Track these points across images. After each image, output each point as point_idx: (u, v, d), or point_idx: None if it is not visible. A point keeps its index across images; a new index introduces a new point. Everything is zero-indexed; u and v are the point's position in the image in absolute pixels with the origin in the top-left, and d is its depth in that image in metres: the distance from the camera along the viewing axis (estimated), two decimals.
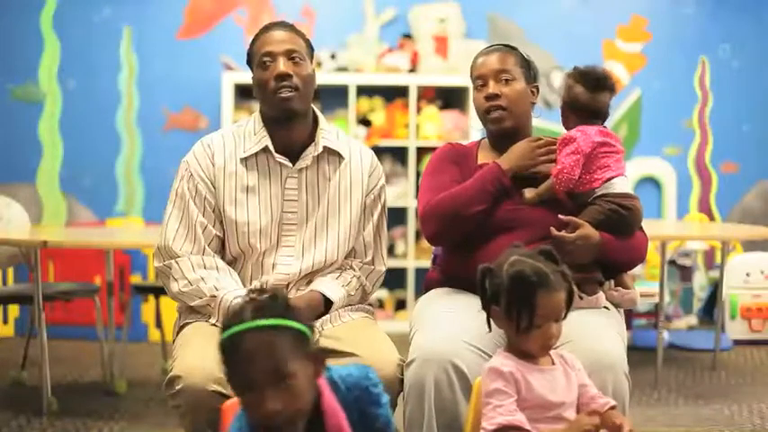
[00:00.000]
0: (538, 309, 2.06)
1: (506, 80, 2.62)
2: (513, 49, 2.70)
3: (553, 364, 2.15)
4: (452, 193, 2.56)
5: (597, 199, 2.55)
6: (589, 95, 2.60)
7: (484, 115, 2.66)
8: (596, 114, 2.60)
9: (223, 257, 2.57)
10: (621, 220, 2.53)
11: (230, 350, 1.70)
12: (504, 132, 2.65)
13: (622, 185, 2.57)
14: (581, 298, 2.47)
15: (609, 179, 2.55)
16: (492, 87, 2.61)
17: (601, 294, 2.54)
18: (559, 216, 2.50)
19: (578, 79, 2.61)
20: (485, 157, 2.69)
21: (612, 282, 2.63)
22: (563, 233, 2.47)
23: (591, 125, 2.58)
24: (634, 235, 2.59)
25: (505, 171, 2.56)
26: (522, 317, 2.07)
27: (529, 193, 2.56)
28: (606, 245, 2.50)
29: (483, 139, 2.79)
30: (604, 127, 2.61)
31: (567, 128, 2.62)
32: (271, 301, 1.72)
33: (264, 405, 1.66)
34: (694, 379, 4.71)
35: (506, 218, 2.55)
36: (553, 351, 2.21)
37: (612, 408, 2.12)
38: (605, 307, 2.55)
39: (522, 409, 2.06)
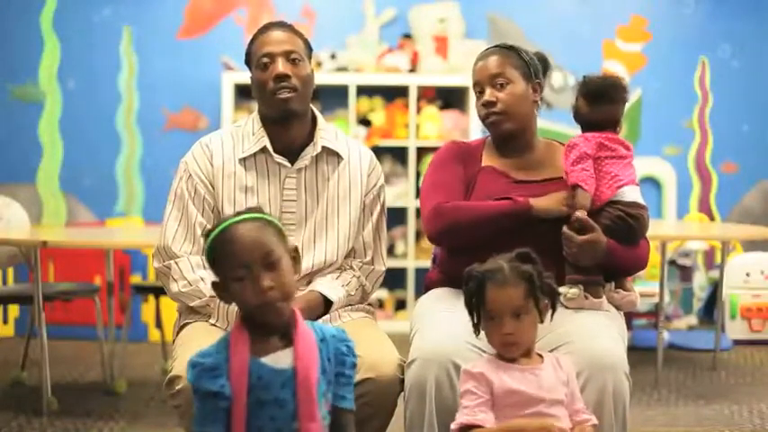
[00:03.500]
0: (486, 302, 2.15)
1: (501, 84, 2.59)
2: (510, 48, 2.66)
3: (542, 363, 2.18)
4: (473, 207, 2.53)
5: (606, 206, 2.54)
6: (588, 108, 2.59)
7: (483, 121, 2.65)
8: (598, 126, 2.58)
9: None
10: (628, 228, 2.53)
11: (222, 244, 1.90)
12: (504, 135, 2.64)
13: (632, 194, 2.55)
14: (586, 298, 2.48)
15: (619, 187, 2.54)
16: (488, 95, 2.59)
17: (604, 300, 2.54)
18: (577, 214, 2.47)
19: (580, 91, 2.60)
20: (489, 158, 2.68)
21: (613, 284, 2.63)
22: (573, 234, 2.47)
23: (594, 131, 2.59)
24: (639, 243, 2.59)
25: (533, 212, 2.51)
26: (473, 311, 2.18)
27: (580, 213, 2.47)
28: (610, 251, 2.49)
29: (488, 137, 2.77)
30: (612, 133, 2.60)
31: None
32: (248, 209, 1.99)
33: (260, 283, 1.85)
34: (694, 379, 4.70)
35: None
36: (549, 353, 2.24)
37: (594, 425, 2.15)
38: (607, 310, 2.54)
39: (502, 407, 2.10)
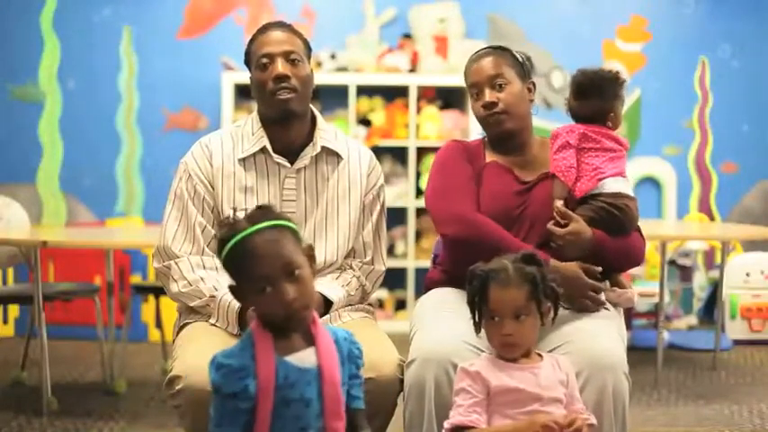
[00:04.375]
0: (489, 302, 2.15)
1: (500, 85, 2.59)
2: (504, 49, 2.68)
3: (541, 362, 2.19)
4: (497, 237, 2.48)
5: (589, 198, 2.55)
6: (575, 101, 2.61)
7: (483, 121, 2.64)
8: (586, 120, 2.59)
9: None
10: (613, 219, 2.53)
11: (240, 257, 1.85)
12: (504, 134, 2.64)
13: (615, 185, 2.55)
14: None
15: (600, 180, 2.54)
16: (488, 95, 2.59)
17: (602, 297, 2.54)
18: (557, 205, 2.49)
19: (570, 84, 2.63)
20: (491, 155, 2.69)
21: (608, 282, 2.63)
22: (555, 227, 2.48)
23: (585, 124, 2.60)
24: (630, 236, 2.59)
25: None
26: (475, 309, 2.19)
27: (557, 203, 2.52)
28: (600, 243, 2.50)
29: (485, 137, 2.76)
30: (600, 126, 2.60)
31: None
32: (259, 210, 1.91)
33: (284, 295, 1.82)
34: (694, 379, 4.70)
35: (516, 216, 2.56)
36: (548, 353, 2.24)
37: (591, 425, 2.15)
38: (606, 308, 2.53)
39: (500, 405, 2.10)
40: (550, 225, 2.49)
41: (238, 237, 1.85)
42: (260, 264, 1.83)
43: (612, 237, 2.53)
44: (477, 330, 2.22)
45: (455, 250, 2.62)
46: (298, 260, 1.86)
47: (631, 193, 2.60)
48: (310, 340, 1.90)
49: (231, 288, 1.92)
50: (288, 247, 1.86)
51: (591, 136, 2.56)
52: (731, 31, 6.49)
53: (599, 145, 2.56)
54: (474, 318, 2.21)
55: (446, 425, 2.14)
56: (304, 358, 1.88)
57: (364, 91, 6.02)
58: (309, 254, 1.93)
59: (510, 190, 2.60)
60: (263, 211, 1.91)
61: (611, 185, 2.55)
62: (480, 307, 2.19)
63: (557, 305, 2.22)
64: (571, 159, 2.54)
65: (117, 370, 4.43)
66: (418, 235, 6.04)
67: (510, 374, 2.13)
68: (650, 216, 6.28)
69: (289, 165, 2.58)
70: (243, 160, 2.58)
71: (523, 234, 2.55)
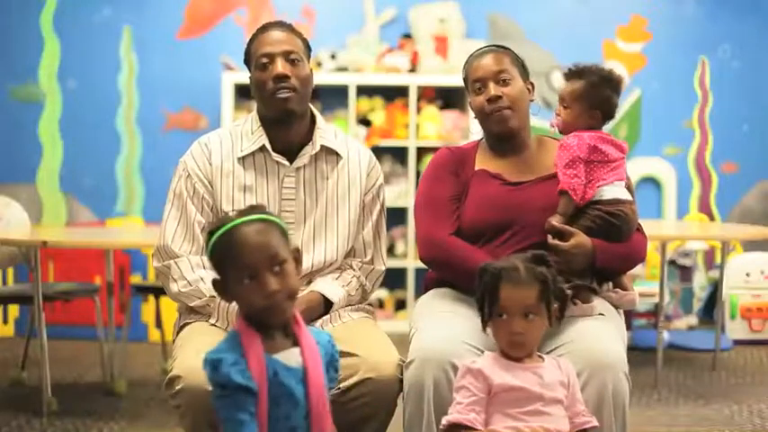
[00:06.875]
0: (500, 300, 2.14)
1: (505, 80, 2.60)
2: (505, 48, 2.69)
3: (543, 363, 2.19)
4: (463, 257, 2.52)
5: (586, 207, 2.52)
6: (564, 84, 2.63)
7: (486, 117, 2.63)
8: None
9: None
10: (611, 227, 2.51)
11: (227, 247, 1.87)
12: (508, 132, 2.63)
13: (612, 192, 2.53)
14: (574, 304, 2.45)
15: (599, 187, 2.53)
16: (493, 89, 2.59)
17: (595, 303, 2.50)
18: (554, 224, 2.48)
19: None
20: (483, 161, 2.67)
21: (611, 283, 2.62)
22: (558, 242, 2.46)
23: (587, 130, 2.58)
24: (630, 238, 2.58)
25: None
26: (485, 306, 2.18)
27: (554, 219, 2.50)
28: (600, 252, 2.49)
29: (482, 140, 2.77)
30: (602, 132, 2.59)
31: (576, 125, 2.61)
32: (250, 207, 1.96)
33: (265, 286, 1.84)
34: (694, 379, 4.70)
35: (508, 220, 2.55)
36: (550, 356, 2.24)
37: (593, 427, 2.16)
38: (600, 314, 2.49)
39: (501, 403, 2.10)
40: (553, 241, 2.48)
41: (227, 226, 1.89)
42: (246, 253, 1.86)
43: (612, 243, 2.52)
44: (484, 327, 2.21)
45: (433, 271, 2.68)
46: (283, 254, 1.88)
47: (629, 197, 2.58)
48: (294, 340, 1.91)
49: (214, 282, 1.92)
50: (274, 241, 1.88)
51: (599, 148, 2.53)
52: (731, 31, 6.49)
53: (606, 158, 2.54)
54: (482, 315, 2.20)
55: (444, 421, 2.15)
56: (290, 357, 1.88)
57: (364, 91, 6.02)
58: (296, 256, 1.94)
59: (499, 194, 2.59)
60: (253, 208, 1.95)
61: (608, 192, 2.53)
62: (490, 304, 2.17)
63: (564, 307, 2.22)
64: (582, 175, 2.52)
65: (117, 370, 4.42)
66: None
67: (513, 373, 2.13)
68: (650, 216, 6.28)
69: (288, 163, 2.58)
70: (242, 159, 2.58)
71: (518, 239, 2.53)
